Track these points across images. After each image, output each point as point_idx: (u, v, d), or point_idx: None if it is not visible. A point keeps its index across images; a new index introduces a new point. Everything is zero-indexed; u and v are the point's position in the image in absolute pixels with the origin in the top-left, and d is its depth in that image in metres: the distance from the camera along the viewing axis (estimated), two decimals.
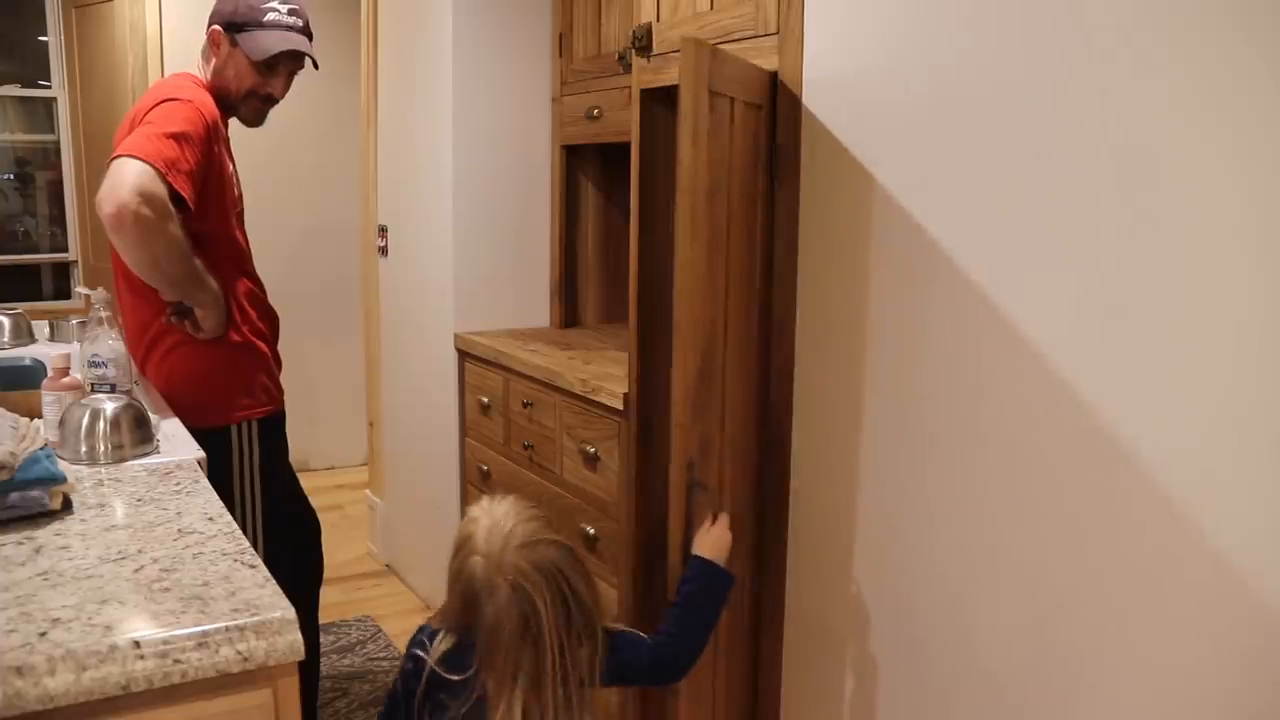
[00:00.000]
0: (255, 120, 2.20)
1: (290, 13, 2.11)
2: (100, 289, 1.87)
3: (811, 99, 1.70)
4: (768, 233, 1.80)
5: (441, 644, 1.38)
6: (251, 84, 2.11)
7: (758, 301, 1.80)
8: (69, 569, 1.11)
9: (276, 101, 2.18)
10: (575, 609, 1.31)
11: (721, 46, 1.86)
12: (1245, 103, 1.12)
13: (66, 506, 1.31)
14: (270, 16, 2.08)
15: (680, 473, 1.47)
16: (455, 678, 1.35)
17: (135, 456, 1.56)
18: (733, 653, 1.91)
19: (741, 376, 1.76)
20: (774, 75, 1.76)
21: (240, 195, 2.18)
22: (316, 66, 2.17)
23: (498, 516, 1.35)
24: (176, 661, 0.96)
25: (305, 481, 2.43)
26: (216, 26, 2.08)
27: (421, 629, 1.43)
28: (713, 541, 1.47)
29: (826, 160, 1.69)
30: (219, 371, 2.08)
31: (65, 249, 4.72)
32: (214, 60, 2.10)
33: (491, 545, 1.32)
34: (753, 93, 1.69)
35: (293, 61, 2.14)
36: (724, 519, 1.50)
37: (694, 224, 1.45)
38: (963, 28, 1.43)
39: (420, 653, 1.39)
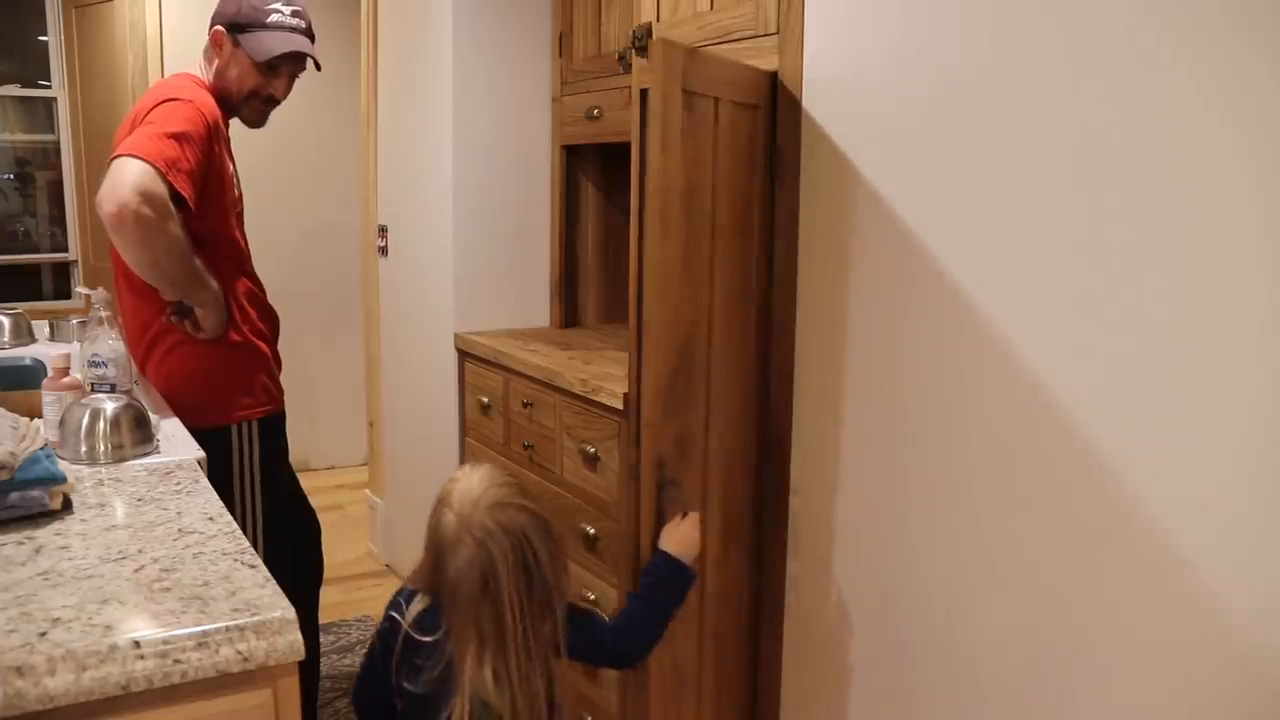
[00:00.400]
0: (257, 121, 2.20)
1: (293, 14, 2.11)
2: (100, 289, 1.87)
3: (811, 99, 1.70)
4: (767, 233, 1.80)
5: (416, 605, 1.40)
6: (254, 85, 2.11)
7: (756, 301, 1.80)
8: (69, 569, 1.11)
9: (278, 102, 2.18)
10: (537, 575, 1.33)
11: (719, 46, 1.87)
12: (1247, 103, 1.12)
13: (66, 506, 1.31)
14: (273, 18, 2.08)
15: (650, 470, 1.48)
16: (428, 639, 1.37)
17: (135, 456, 1.56)
18: (733, 653, 1.91)
19: (736, 376, 1.76)
20: (774, 75, 1.76)
21: (240, 195, 2.18)
22: (319, 68, 2.17)
23: (475, 479, 1.38)
24: (176, 661, 0.96)
25: (305, 481, 2.43)
26: (219, 27, 2.08)
27: (400, 590, 1.45)
28: (680, 538, 1.49)
29: (827, 160, 1.69)
30: (219, 371, 2.08)
31: (65, 249, 4.72)
32: (216, 61, 2.10)
33: (464, 504, 1.35)
34: (745, 93, 1.69)
35: (295, 63, 2.14)
36: (694, 517, 1.51)
37: (664, 225, 1.46)
38: (963, 27, 1.43)
39: (395, 614, 1.41)
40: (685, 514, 1.53)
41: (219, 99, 2.09)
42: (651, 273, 1.47)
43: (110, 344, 1.73)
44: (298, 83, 2.20)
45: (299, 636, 1.02)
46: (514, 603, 1.31)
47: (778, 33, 1.75)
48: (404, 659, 1.39)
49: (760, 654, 1.91)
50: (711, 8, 1.90)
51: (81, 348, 1.77)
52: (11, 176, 4.75)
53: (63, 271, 4.79)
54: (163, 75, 3.95)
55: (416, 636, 1.38)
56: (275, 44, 2.08)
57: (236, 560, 1.15)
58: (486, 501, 1.34)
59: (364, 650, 2.99)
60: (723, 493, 1.75)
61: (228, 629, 0.99)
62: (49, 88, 4.62)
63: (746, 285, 1.78)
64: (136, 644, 0.95)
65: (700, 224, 1.58)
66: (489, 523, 1.33)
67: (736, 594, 1.89)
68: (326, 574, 2.49)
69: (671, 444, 1.53)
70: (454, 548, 1.34)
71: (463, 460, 3.00)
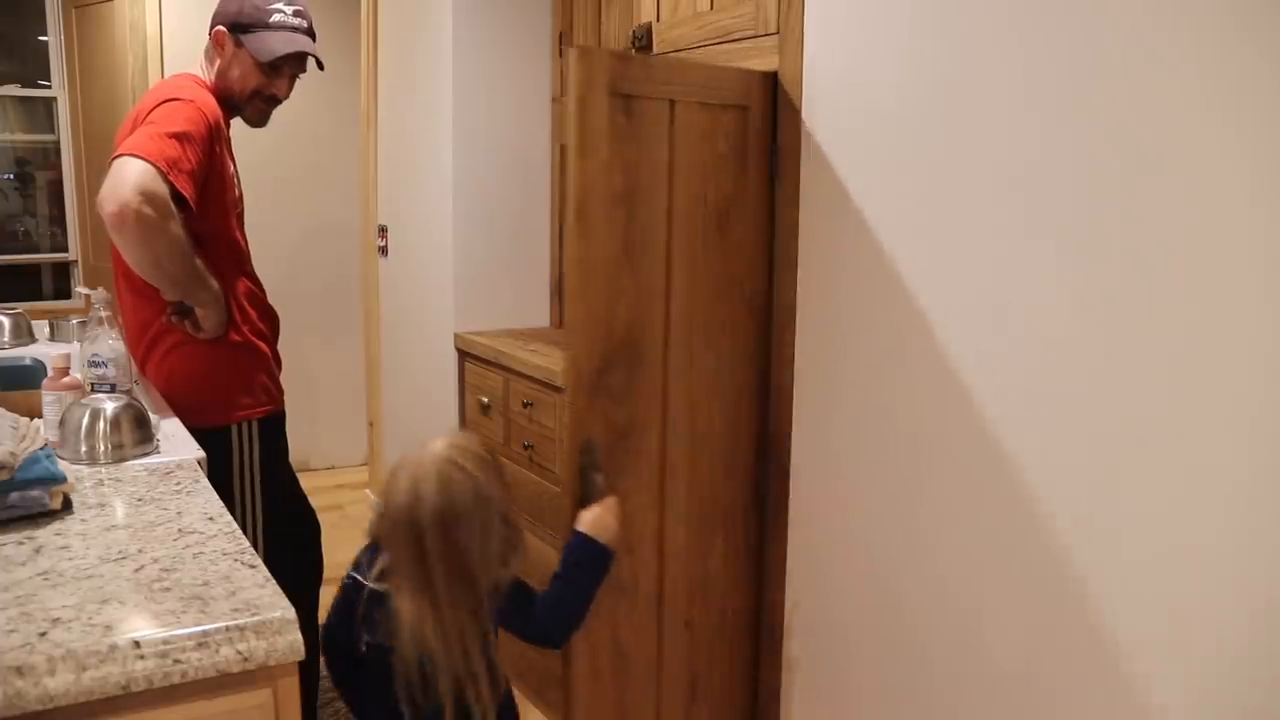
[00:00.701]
0: (259, 121, 2.20)
1: (295, 14, 2.11)
2: (100, 289, 1.87)
3: (811, 99, 1.70)
4: (765, 232, 1.80)
5: (381, 561, 1.43)
6: (256, 85, 2.11)
7: (751, 301, 1.80)
8: (69, 569, 1.11)
9: (280, 102, 2.18)
10: (462, 537, 1.35)
11: (719, 47, 1.87)
12: (1249, 103, 1.12)
13: (66, 506, 1.31)
14: (276, 18, 2.08)
15: (573, 454, 1.55)
16: (383, 589, 1.40)
17: (135, 456, 1.56)
18: (733, 653, 1.91)
19: (723, 374, 1.78)
20: (774, 75, 1.76)
21: (241, 195, 2.18)
22: (322, 68, 2.17)
23: (447, 438, 1.42)
24: (176, 661, 0.96)
25: (305, 481, 2.43)
26: (221, 27, 2.08)
27: (366, 547, 1.48)
28: (593, 519, 1.52)
29: (827, 160, 1.69)
30: (219, 371, 2.08)
31: (65, 249, 4.72)
32: (218, 61, 2.10)
33: (419, 453, 1.39)
34: (722, 94, 1.67)
35: (297, 63, 2.14)
36: (610, 502, 1.54)
37: (583, 226, 1.49)
38: (963, 26, 1.43)
39: (355, 573, 1.46)
40: (603, 499, 1.56)
41: (221, 99, 2.09)
42: (570, 272, 1.51)
43: (110, 344, 1.73)
44: (298, 82, 2.21)
45: (299, 636, 1.02)
46: (436, 554, 1.34)
47: (778, 33, 1.75)
48: (367, 613, 1.42)
49: (760, 654, 1.91)
50: (711, 8, 1.90)
51: (81, 348, 1.78)
52: (11, 176, 4.75)
53: (63, 271, 4.79)
54: (163, 75, 3.94)
55: (376, 588, 1.41)
56: (279, 44, 2.08)
57: (236, 560, 1.15)
58: (438, 455, 1.38)
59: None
60: (704, 486, 1.76)
61: (228, 629, 0.99)
62: (49, 88, 4.62)
63: (736, 285, 1.78)
64: (136, 644, 0.95)
65: (648, 225, 1.60)
66: (428, 472, 1.36)
67: (737, 594, 1.89)
68: (326, 574, 2.49)
69: (603, 430, 1.57)
70: (393, 487, 1.38)
71: None
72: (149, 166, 1.79)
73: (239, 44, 2.07)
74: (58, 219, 4.73)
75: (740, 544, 1.84)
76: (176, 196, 1.85)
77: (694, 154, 1.66)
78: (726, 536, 1.82)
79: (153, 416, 1.64)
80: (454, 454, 1.38)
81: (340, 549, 3.65)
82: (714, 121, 1.67)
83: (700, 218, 1.69)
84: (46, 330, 2.62)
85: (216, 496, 1.39)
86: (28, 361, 2.28)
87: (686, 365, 1.71)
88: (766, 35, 1.78)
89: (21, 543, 1.19)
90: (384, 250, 3.52)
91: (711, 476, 1.79)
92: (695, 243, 1.69)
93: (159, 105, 1.92)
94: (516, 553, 1.43)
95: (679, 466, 1.72)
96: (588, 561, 1.50)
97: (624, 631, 1.68)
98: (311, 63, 2.16)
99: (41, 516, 1.27)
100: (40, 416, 1.59)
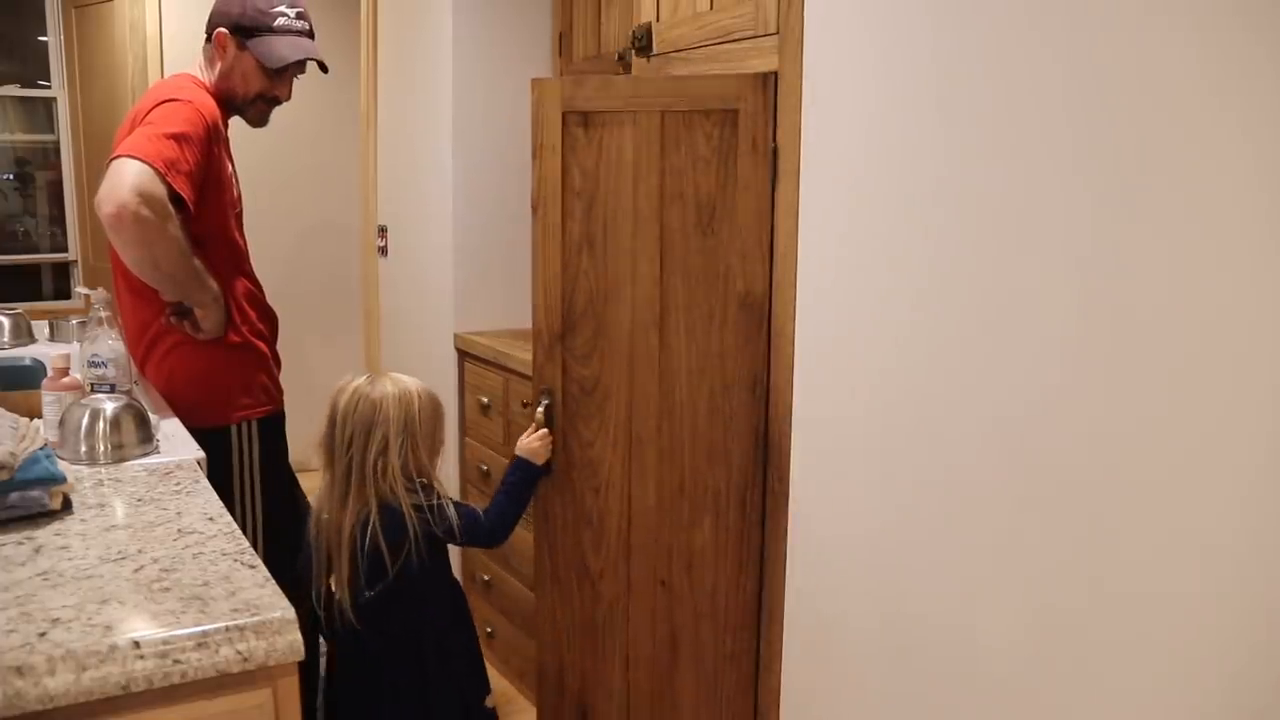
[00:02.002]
0: (261, 121, 2.20)
1: (298, 16, 2.10)
2: (100, 289, 1.87)
3: (811, 99, 1.70)
4: (764, 231, 1.80)
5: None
6: (260, 88, 2.11)
7: (739, 298, 1.82)
8: (69, 569, 1.11)
9: (282, 103, 2.18)
10: (370, 441, 1.72)
11: (719, 46, 1.87)
12: (1256, 103, 1.12)
13: (66, 506, 1.31)
14: (280, 21, 2.07)
15: (535, 395, 1.98)
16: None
17: (135, 456, 1.56)
18: (733, 652, 1.91)
19: (709, 365, 1.86)
20: (774, 75, 1.76)
21: (239, 196, 2.18)
22: (326, 70, 2.17)
23: (410, 379, 1.82)
24: (176, 661, 0.96)
25: (305, 481, 2.43)
26: (223, 30, 2.07)
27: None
28: (528, 446, 1.94)
29: (827, 160, 1.69)
30: (219, 371, 2.08)
31: (65, 249, 4.72)
32: (219, 63, 2.09)
33: (382, 379, 1.79)
34: (700, 101, 1.82)
35: (300, 64, 2.14)
36: (543, 433, 1.94)
37: (538, 215, 1.92)
38: (964, 25, 1.43)
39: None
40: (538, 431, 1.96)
41: (222, 100, 2.09)
42: (533, 250, 1.95)
43: (110, 344, 1.73)
44: (297, 82, 2.21)
45: (299, 636, 1.02)
46: (342, 447, 1.73)
47: (778, 33, 1.75)
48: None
49: (760, 654, 1.91)
50: (711, 8, 1.90)
51: (81, 348, 1.78)
52: (11, 176, 4.75)
53: (63, 271, 4.79)
54: (163, 75, 3.95)
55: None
56: (287, 50, 2.07)
57: (236, 560, 1.16)
58: (392, 380, 1.78)
59: None
60: (683, 464, 1.92)
61: (227, 629, 0.99)
62: (49, 88, 4.62)
63: (723, 281, 1.84)
64: (136, 644, 0.95)
65: (610, 218, 1.89)
66: (374, 387, 1.75)
67: (737, 593, 1.89)
68: None
69: (562, 380, 1.96)
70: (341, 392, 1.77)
71: (462, 459, 3.00)
72: (147, 168, 1.79)
73: (242, 47, 2.07)
74: (58, 219, 4.73)
75: (731, 527, 1.88)
76: (175, 198, 1.85)
77: (664, 158, 1.85)
78: (716, 518, 1.89)
79: (152, 417, 1.64)
80: (390, 391, 1.74)
81: None
82: (690, 127, 1.84)
83: (678, 215, 1.85)
84: (46, 330, 2.63)
85: (216, 496, 1.39)
86: (28, 361, 2.28)
87: (659, 347, 1.90)
88: (766, 35, 1.78)
89: (21, 543, 1.19)
90: (384, 250, 3.52)
91: (693, 460, 1.90)
92: (672, 237, 1.86)
93: (157, 106, 1.92)
94: (407, 485, 1.75)
95: (648, 437, 1.92)
96: (522, 479, 1.93)
97: (590, 556, 2.01)
98: (313, 63, 2.16)
99: (41, 516, 1.27)
100: (40, 416, 1.59)
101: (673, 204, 1.85)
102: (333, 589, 1.77)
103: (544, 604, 2.04)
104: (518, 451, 1.94)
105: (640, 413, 1.92)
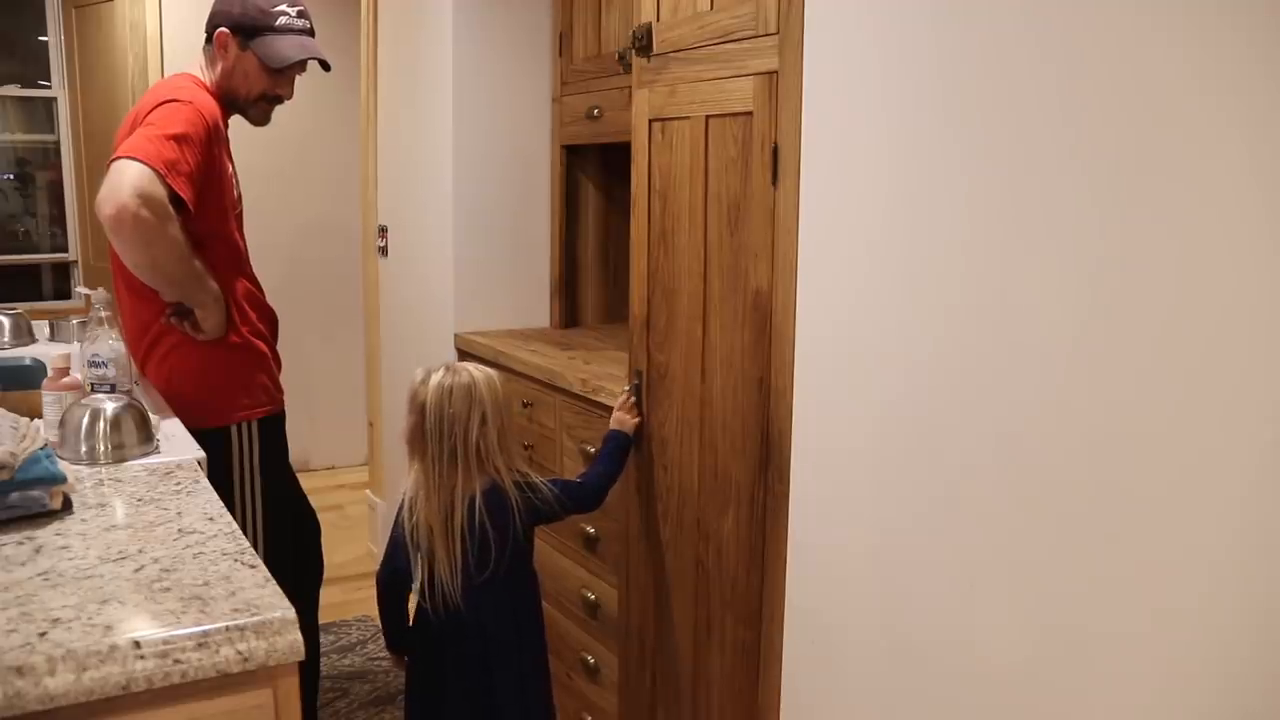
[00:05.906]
0: (263, 120, 2.20)
1: (299, 14, 2.10)
2: (100, 289, 1.87)
3: (811, 99, 1.70)
4: (767, 231, 1.80)
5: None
6: (263, 87, 2.10)
7: (754, 296, 1.82)
8: (69, 569, 1.11)
9: (284, 101, 2.18)
10: (460, 426, 1.79)
11: (719, 47, 1.87)
12: (1258, 102, 1.12)
13: (67, 506, 1.31)
14: (281, 20, 2.07)
15: (630, 375, 2.16)
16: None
17: (135, 456, 1.56)
18: (733, 652, 1.91)
19: (735, 354, 1.88)
20: (774, 75, 1.76)
21: (239, 196, 2.18)
22: (328, 68, 2.17)
23: (478, 367, 1.88)
24: (177, 661, 0.96)
25: (305, 481, 2.44)
26: (224, 29, 2.07)
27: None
28: (618, 419, 2.10)
29: (827, 160, 1.69)
30: (219, 372, 2.08)
31: (65, 249, 4.73)
32: (220, 63, 2.09)
33: (456, 367, 1.86)
34: (727, 104, 1.87)
35: (303, 64, 2.14)
36: (629, 403, 2.11)
37: (634, 211, 2.12)
38: (963, 25, 1.43)
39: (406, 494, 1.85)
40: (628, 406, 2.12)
41: (224, 100, 2.09)
42: (630, 242, 2.14)
43: (110, 344, 1.73)
44: (297, 82, 2.21)
45: (299, 636, 1.02)
46: (434, 434, 1.78)
47: (778, 33, 1.75)
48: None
49: (760, 654, 1.91)
50: (711, 8, 1.90)
51: (81, 348, 1.78)
52: (11, 176, 4.76)
53: (63, 272, 4.79)
54: (163, 75, 3.95)
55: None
56: (291, 50, 2.07)
57: (236, 560, 1.16)
58: (466, 369, 1.84)
59: (364, 650, 3.00)
60: (714, 455, 1.96)
61: (228, 629, 0.99)
62: (49, 88, 4.62)
63: (744, 281, 1.84)
64: (137, 644, 0.95)
65: (677, 215, 2.01)
66: (452, 376, 1.81)
67: (737, 593, 1.89)
68: (326, 574, 2.49)
69: (647, 365, 2.11)
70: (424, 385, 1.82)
71: None
72: (146, 169, 1.79)
73: (244, 47, 2.06)
74: (58, 219, 4.73)
75: (747, 524, 1.89)
76: (175, 199, 1.85)
77: (708, 160, 1.92)
78: (738, 509, 1.91)
79: (153, 417, 1.64)
80: (477, 375, 1.82)
81: (340, 549, 3.67)
82: (723, 129, 1.88)
83: (716, 216, 1.91)
84: (46, 330, 2.63)
85: (216, 496, 1.39)
86: (28, 361, 2.28)
87: (701, 340, 1.97)
88: (766, 35, 1.78)
89: (21, 543, 1.19)
90: (384, 250, 3.52)
91: (723, 450, 1.93)
92: (711, 236, 1.92)
93: (157, 106, 1.92)
94: (507, 463, 1.84)
95: (694, 424, 2.02)
96: (618, 446, 2.07)
97: (661, 526, 2.13)
98: (313, 62, 2.16)
99: (41, 516, 1.27)
100: (40, 416, 1.59)
101: (713, 204, 1.92)
102: (435, 576, 1.79)
103: (632, 561, 2.18)
104: (612, 425, 2.10)
105: (690, 400, 2.02)
